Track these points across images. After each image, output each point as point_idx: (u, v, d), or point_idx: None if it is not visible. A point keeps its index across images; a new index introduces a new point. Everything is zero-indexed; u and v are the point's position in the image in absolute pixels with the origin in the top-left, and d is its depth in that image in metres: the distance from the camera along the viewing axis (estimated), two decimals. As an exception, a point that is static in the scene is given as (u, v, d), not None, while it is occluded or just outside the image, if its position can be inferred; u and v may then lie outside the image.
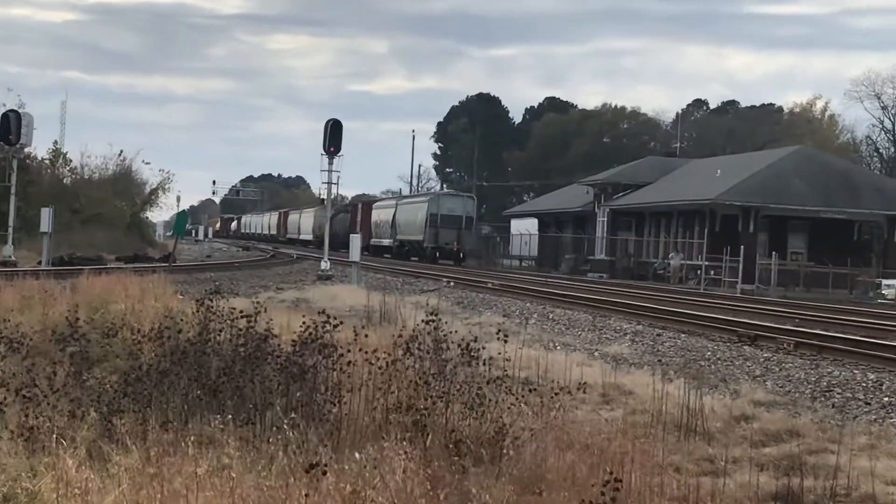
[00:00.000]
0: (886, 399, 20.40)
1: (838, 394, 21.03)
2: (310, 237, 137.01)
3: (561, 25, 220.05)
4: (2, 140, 59.70)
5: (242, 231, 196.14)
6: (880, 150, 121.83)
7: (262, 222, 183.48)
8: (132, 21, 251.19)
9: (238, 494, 8.88)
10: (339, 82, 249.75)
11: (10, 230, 56.10)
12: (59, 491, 8.74)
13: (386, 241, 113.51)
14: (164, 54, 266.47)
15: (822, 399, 20.31)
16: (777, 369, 24.42)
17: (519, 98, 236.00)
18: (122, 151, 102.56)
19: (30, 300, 25.04)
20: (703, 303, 50.79)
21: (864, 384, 22.33)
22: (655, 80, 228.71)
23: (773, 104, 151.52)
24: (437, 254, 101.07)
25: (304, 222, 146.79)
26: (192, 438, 10.65)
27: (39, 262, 52.50)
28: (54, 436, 10.78)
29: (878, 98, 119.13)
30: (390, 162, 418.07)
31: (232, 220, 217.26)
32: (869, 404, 19.90)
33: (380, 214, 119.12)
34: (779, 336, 31.21)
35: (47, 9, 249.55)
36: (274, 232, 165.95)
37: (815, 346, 28.99)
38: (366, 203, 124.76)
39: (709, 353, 27.26)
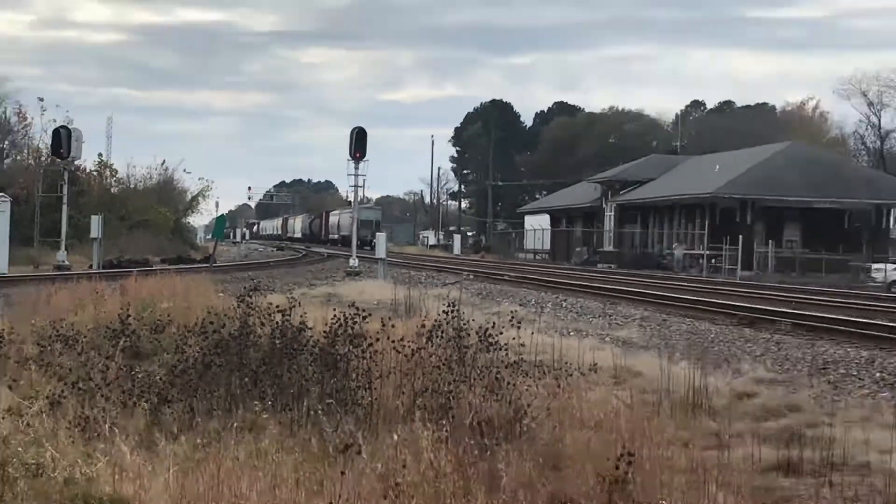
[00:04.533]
0: (878, 374, 20.37)
1: (833, 370, 20.98)
2: (299, 235, 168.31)
3: (575, 34, 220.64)
4: (54, 154, 60.12)
5: (260, 234, 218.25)
6: (867, 144, 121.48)
7: (272, 226, 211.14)
8: (176, 40, 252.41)
9: (280, 476, 8.91)
10: (367, 93, 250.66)
11: (63, 237, 56.12)
12: (114, 476, 8.78)
13: (334, 236, 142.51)
14: (205, 71, 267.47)
15: (819, 376, 20.22)
16: (776, 349, 24.39)
17: (530, 103, 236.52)
18: (164, 161, 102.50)
19: (83, 301, 25.05)
20: (705, 289, 50.74)
21: (857, 361, 22.30)
22: (661, 83, 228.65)
23: (767, 103, 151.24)
24: (359, 243, 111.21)
25: (296, 225, 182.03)
26: (235, 425, 10.69)
27: (90, 266, 52.59)
28: (108, 425, 10.83)
29: (865, 95, 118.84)
30: (414, 165, 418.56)
31: (254, 224, 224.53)
32: (862, 380, 19.86)
33: (332, 219, 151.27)
34: (777, 318, 31.21)
35: (95, 31, 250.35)
36: (280, 233, 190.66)
37: (811, 326, 28.99)
38: (326, 212, 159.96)
39: (712, 336, 27.26)
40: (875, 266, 71.74)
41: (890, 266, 70.18)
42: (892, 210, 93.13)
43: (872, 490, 10.74)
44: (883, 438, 12.75)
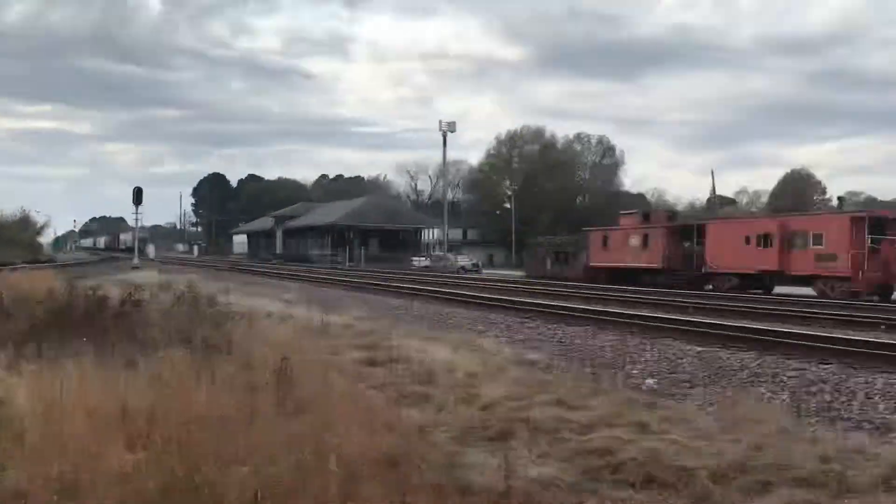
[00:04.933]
0: (416, 313, 20.98)
1: (397, 312, 21.47)
2: (103, 247, 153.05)
3: (259, 137, 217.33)
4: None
5: (82, 247, 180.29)
6: (410, 197, 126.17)
7: (89, 242, 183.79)
8: (32, 138, 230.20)
9: (91, 381, 8.36)
10: (144, 168, 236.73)
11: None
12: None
13: (123, 247, 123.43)
14: (50, 155, 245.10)
15: (388, 313, 20.59)
16: (369, 302, 24.73)
17: (235, 175, 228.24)
18: (23, 207, 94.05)
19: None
20: (330, 272, 50.90)
21: (406, 307, 22.88)
22: (306, 165, 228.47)
23: (361, 176, 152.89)
24: (139, 251, 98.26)
25: (101, 241, 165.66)
26: (67, 354, 9.95)
27: (-24, 267, 47.48)
28: (-12, 357, 9.85)
29: (408, 172, 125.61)
30: (172, 208, 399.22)
31: (77, 241, 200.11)
32: (404, 318, 20.41)
33: (122, 237, 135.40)
34: (367, 287, 31.68)
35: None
36: (93, 246, 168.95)
37: (381, 289, 29.58)
38: (118, 233, 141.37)
39: (332, 296, 27.37)
40: (414, 258, 74.50)
41: (422, 258, 73.28)
42: (421, 231, 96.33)
43: (413, 371, 11.14)
44: (417, 346, 13.22)
